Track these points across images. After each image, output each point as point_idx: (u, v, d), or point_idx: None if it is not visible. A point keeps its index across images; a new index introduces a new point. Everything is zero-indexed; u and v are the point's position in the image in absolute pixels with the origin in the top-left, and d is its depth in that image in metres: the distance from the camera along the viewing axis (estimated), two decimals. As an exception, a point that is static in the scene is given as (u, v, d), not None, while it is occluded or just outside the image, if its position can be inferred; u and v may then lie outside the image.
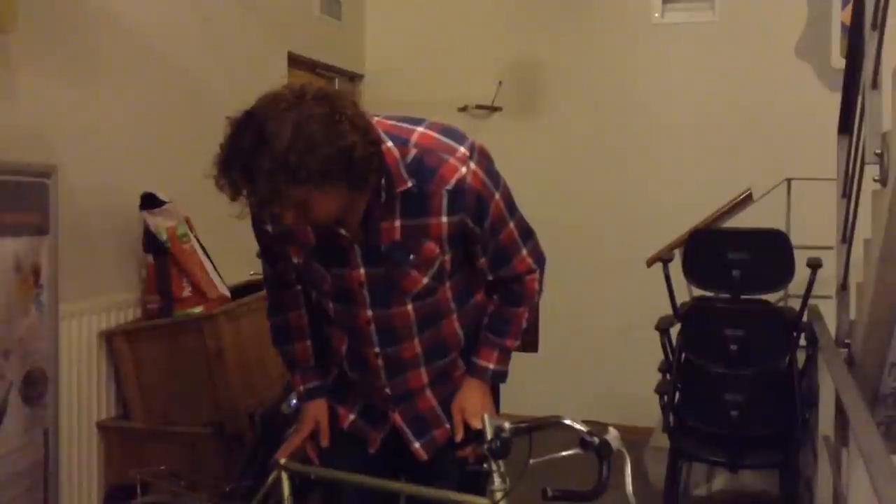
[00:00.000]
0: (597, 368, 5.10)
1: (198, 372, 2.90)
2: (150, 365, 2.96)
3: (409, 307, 1.69)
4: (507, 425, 1.53)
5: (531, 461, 1.51)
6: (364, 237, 1.62)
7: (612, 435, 1.46)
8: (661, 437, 3.84)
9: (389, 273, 1.65)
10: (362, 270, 1.65)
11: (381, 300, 1.68)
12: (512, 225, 1.73)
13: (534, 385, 5.17)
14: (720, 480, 3.96)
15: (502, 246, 1.74)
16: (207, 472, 2.80)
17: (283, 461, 1.82)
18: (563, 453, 1.48)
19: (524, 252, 1.77)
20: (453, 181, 1.58)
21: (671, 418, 3.57)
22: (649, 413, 4.22)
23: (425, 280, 1.67)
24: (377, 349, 1.73)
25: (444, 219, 1.61)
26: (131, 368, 2.96)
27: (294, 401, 2.30)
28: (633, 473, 1.46)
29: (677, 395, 3.59)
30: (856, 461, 2.19)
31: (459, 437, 1.74)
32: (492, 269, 1.76)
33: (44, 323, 2.50)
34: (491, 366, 1.80)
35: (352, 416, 1.84)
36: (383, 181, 1.55)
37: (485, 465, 1.54)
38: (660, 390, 3.58)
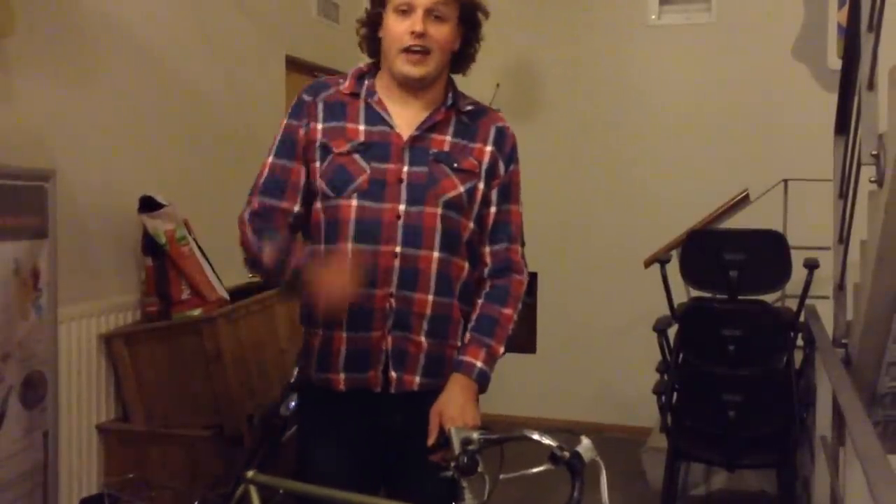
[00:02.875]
0: (594, 369, 5.11)
1: (197, 374, 2.90)
2: (149, 367, 2.96)
3: (439, 211, 1.76)
4: (475, 436, 1.48)
5: (501, 476, 1.46)
6: (414, 142, 1.79)
7: (585, 446, 1.39)
8: (659, 437, 3.85)
9: (432, 171, 1.77)
10: (406, 168, 1.77)
11: (417, 197, 1.75)
12: (520, 210, 1.90)
13: (532, 386, 5.19)
14: (718, 480, 3.97)
15: (508, 219, 1.86)
16: (207, 474, 2.81)
17: (250, 475, 1.79)
18: (534, 470, 1.41)
19: (519, 248, 1.89)
20: (501, 123, 1.89)
21: (669, 418, 3.58)
22: (647, 413, 4.24)
23: (461, 189, 1.78)
24: (398, 248, 1.74)
25: (489, 147, 1.84)
26: (130, 371, 2.96)
27: (293, 403, 2.30)
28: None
29: (675, 395, 3.60)
30: (852, 462, 2.20)
31: (432, 440, 1.68)
32: (491, 235, 1.85)
33: (43, 326, 2.50)
34: (478, 363, 1.76)
35: (342, 376, 1.79)
36: (450, 94, 1.83)
37: (452, 475, 1.48)
38: (657, 390, 3.58)
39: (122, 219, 3.06)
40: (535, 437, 1.41)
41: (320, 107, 1.82)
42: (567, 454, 1.36)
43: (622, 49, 5.08)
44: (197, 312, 3.02)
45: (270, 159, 1.83)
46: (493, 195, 1.84)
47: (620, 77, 5.08)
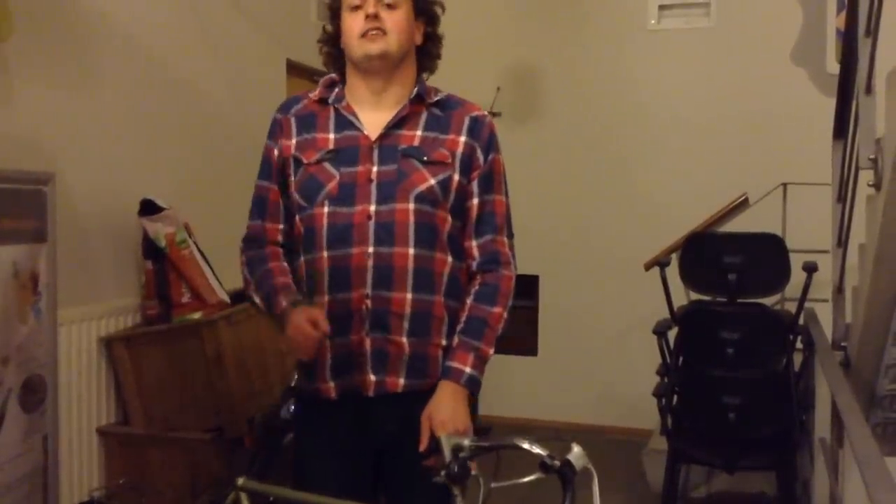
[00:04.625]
0: (596, 371, 5.11)
1: (197, 377, 2.91)
2: (149, 370, 2.96)
3: (411, 206, 1.75)
4: (466, 443, 1.46)
5: (493, 485, 1.44)
6: (383, 141, 1.79)
7: (576, 453, 1.36)
8: (659, 439, 3.85)
9: (401, 167, 1.77)
10: (375, 168, 1.77)
11: (388, 195, 1.75)
12: (504, 200, 1.87)
13: (533, 388, 5.19)
14: (719, 482, 3.97)
15: (491, 210, 1.84)
16: (207, 477, 2.81)
17: (240, 482, 1.78)
18: (525, 479, 1.39)
19: (506, 239, 1.85)
20: (476, 112, 1.86)
21: (669, 421, 3.58)
22: (648, 415, 4.24)
23: (432, 181, 1.77)
24: (371, 249, 1.74)
25: (462, 138, 1.82)
26: (131, 374, 2.97)
27: (293, 407, 2.31)
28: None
29: (675, 397, 3.60)
30: (851, 464, 2.20)
31: (423, 446, 1.66)
32: (476, 228, 1.82)
33: (42, 329, 2.50)
34: (466, 369, 1.73)
35: (332, 384, 1.79)
36: (416, 88, 1.83)
37: (443, 482, 1.46)
38: (658, 393, 3.59)
39: (122, 222, 3.07)
40: (525, 446, 1.39)
41: (292, 122, 1.86)
42: (557, 463, 1.35)
43: (622, 53, 5.09)
44: (197, 315, 3.02)
45: (256, 181, 1.91)
46: (475, 186, 1.82)
47: (620, 81, 5.08)
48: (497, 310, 1.79)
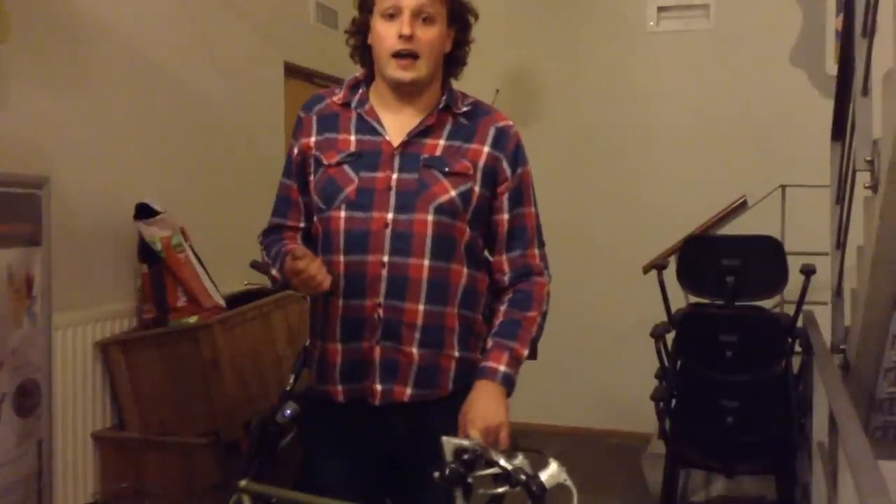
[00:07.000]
0: (594, 374, 5.10)
1: (193, 381, 2.90)
2: (145, 375, 2.95)
3: (430, 217, 1.73)
4: (466, 443, 1.46)
5: (481, 491, 1.44)
6: (405, 148, 1.77)
7: (550, 471, 1.36)
8: (658, 443, 3.84)
9: (421, 177, 1.75)
10: (395, 175, 1.75)
11: (406, 205, 1.73)
12: (534, 211, 1.86)
13: (532, 391, 5.17)
14: (718, 486, 3.96)
15: (522, 224, 1.83)
16: (204, 482, 2.80)
17: (242, 483, 1.78)
18: (498, 490, 1.40)
19: (537, 250, 1.86)
20: (502, 123, 1.83)
21: (667, 424, 3.57)
22: (647, 419, 4.22)
23: (453, 193, 1.75)
24: (386, 258, 1.73)
25: (486, 149, 1.79)
26: (126, 378, 2.96)
27: (289, 411, 2.30)
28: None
29: (673, 401, 3.59)
30: (845, 469, 2.19)
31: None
32: (508, 243, 1.82)
33: (37, 333, 2.50)
34: (501, 367, 1.73)
35: (340, 388, 1.79)
36: (444, 96, 1.80)
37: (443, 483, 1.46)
38: (656, 397, 3.58)
39: (117, 225, 3.06)
40: (502, 462, 1.40)
41: (314, 120, 1.85)
42: (523, 478, 1.35)
43: (620, 55, 5.08)
44: (193, 319, 3.02)
45: (280, 179, 1.91)
46: (504, 201, 1.81)
47: (619, 83, 5.08)
48: (531, 314, 1.80)
